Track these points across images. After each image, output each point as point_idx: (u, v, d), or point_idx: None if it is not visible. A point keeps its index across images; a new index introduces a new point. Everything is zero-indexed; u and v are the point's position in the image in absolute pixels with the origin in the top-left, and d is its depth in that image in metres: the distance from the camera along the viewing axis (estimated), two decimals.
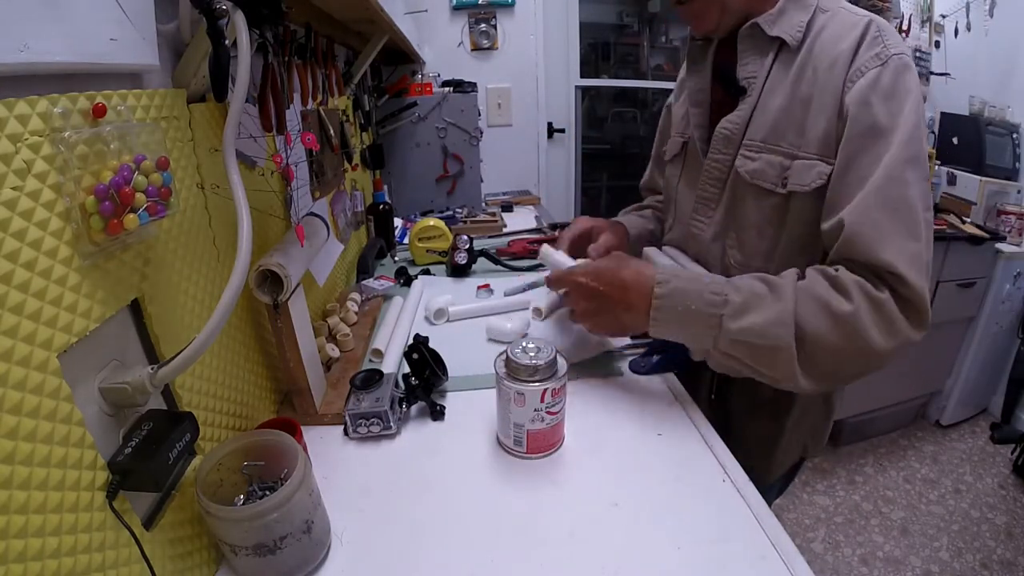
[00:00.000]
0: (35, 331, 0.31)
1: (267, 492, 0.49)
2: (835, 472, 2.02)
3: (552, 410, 0.60)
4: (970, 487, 1.93)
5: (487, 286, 1.11)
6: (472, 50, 2.18)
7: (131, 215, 0.36)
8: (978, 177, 2.10)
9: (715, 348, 0.63)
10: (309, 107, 0.88)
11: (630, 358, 0.81)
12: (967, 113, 2.26)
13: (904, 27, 2.24)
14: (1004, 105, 2.21)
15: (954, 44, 2.35)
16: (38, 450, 0.31)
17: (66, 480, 0.33)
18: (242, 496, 0.50)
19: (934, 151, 2.18)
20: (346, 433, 0.66)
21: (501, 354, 0.62)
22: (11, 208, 0.30)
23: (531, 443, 0.61)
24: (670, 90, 0.95)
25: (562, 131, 2.43)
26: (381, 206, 1.36)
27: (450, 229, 1.30)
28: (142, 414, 0.40)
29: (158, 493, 0.43)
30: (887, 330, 0.58)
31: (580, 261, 0.77)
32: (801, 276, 0.64)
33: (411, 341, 0.72)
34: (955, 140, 2.21)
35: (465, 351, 0.84)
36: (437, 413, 0.69)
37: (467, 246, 1.21)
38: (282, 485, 0.44)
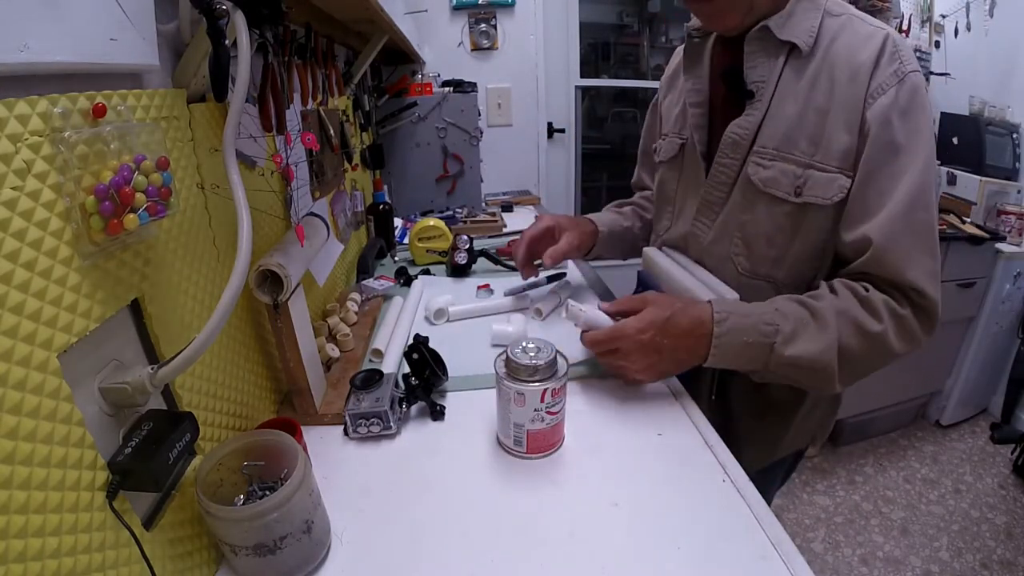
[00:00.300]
0: (35, 331, 0.31)
1: (267, 492, 0.49)
2: (835, 472, 2.02)
3: (552, 410, 0.60)
4: (970, 487, 1.93)
5: (487, 286, 1.11)
6: (472, 50, 2.18)
7: (131, 215, 0.36)
8: (978, 177, 2.10)
9: (767, 370, 0.66)
10: (309, 107, 0.88)
11: None
12: (967, 113, 2.26)
13: (904, 27, 2.24)
14: (1004, 105, 2.21)
15: (954, 44, 2.35)
16: (38, 450, 0.31)
17: (66, 480, 0.33)
18: (242, 496, 0.50)
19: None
20: (346, 433, 0.66)
21: (501, 354, 0.62)
22: (11, 208, 0.30)
23: (531, 443, 0.61)
24: None
25: (562, 131, 2.43)
26: (381, 206, 1.36)
27: (450, 229, 1.30)
28: (142, 414, 0.40)
29: (158, 493, 0.43)
30: (906, 339, 0.65)
31: (616, 321, 0.70)
32: (832, 290, 0.67)
33: (411, 341, 0.72)
34: (955, 140, 2.21)
35: (465, 351, 0.84)
36: (437, 413, 0.69)
37: (467, 246, 1.21)
38: (282, 485, 0.44)
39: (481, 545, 0.51)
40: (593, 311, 0.72)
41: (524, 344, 0.62)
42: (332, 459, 0.63)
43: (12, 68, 0.30)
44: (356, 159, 1.27)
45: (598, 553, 0.50)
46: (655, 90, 0.99)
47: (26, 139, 0.31)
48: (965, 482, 1.96)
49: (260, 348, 0.67)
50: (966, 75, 2.31)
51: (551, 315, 0.97)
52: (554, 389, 0.59)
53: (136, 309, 0.43)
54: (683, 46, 0.82)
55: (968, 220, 2.04)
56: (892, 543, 1.71)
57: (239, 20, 0.46)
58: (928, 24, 2.36)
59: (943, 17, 2.36)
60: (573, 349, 0.78)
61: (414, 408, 0.71)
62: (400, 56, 1.80)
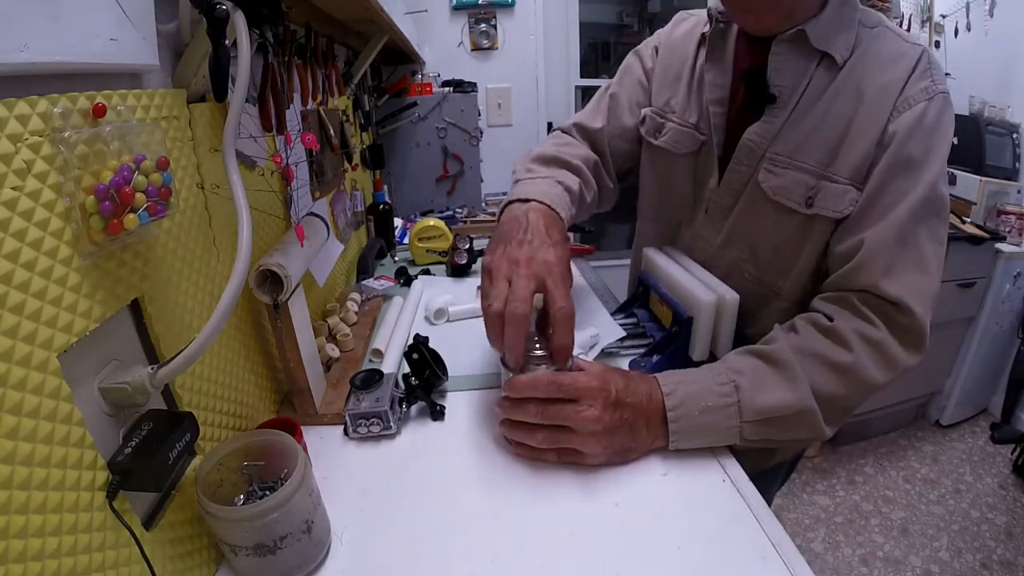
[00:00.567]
0: (35, 331, 0.31)
1: (267, 492, 0.49)
2: (835, 472, 2.02)
3: None
4: (970, 487, 1.93)
5: None
6: (472, 50, 2.18)
7: (131, 215, 0.36)
8: (978, 177, 2.10)
9: (741, 438, 0.59)
10: (309, 107, 0.88)
11: (630, 358, 0.80)
12: (967, 113, 2.26)
13: (904, 27, 2.24)
14: (1004, 105, 2.21)
15: (954, 44, 2.35)
16: (38, 450, 0.31)
17: (66, 480, 0.33)
18: (242, 496, 0.50)
19: None
20: (346, 433, 0.66)
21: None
22: (11, 208, 0.30)
23: None
24: None
25: None
26: (381, 206, 1.36)
27: (450, 229, 1.30)
28: (142, 414, 0.40)
29: (158, 493, 0.43)
30: (886, 367, 0.60)
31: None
32: (791, 328, 0.64)
33: (411, 341, 0.72)
34: (955, 140, 2.21)
35: (465, 351, 0.84)
36: (437, 413, 0.69)
37: (467, 246, 1.21)
38: (282, 485, 0.44)
39: (481, 545, 0.51)
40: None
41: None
42: (332, 459, 0.63)
43: (12, 68, 0.30)
44: (356, 159, 1.27)
45: (598, 553, 0.50)
46: None
47: (26, 139, 0.31)
48: (965, 482, 1.96)
49: (260, 348, 0.67)
50: (966, 75, 2.31)
51: None
52: None
53: (136, 309, 0.43)
54: (689, 15, 0.78)
55: (968, 220, 2.04)
56: (892, 543, 1.71)
57: (239, 20, 0.46)
58: (928, 24, 2.36)
59: (943, 17, 2.36)
60: (576, 347, 0.78)
61: (414, 408, 0.71)
62: (400, 56, 1.80)
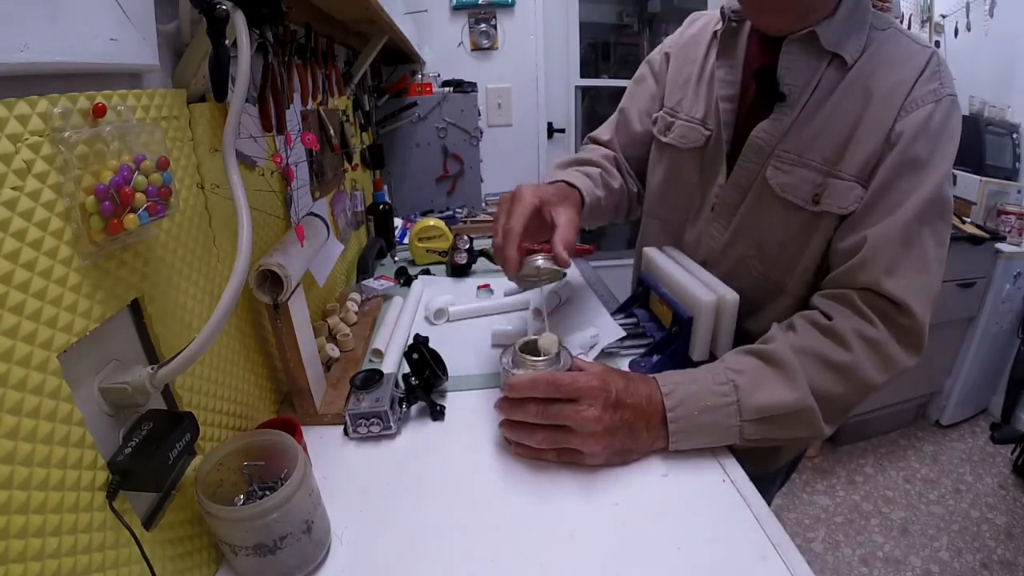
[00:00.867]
0: (35, 331, 0.31)
1: (267, 492, 0.49)
2: (835, 472, 2.02)
3: None
4: (970, 487, 1.93)
5: (487, 286, 1.11)
6: (472, 50, 2.18)
7: (131, 215, 0.36)
8: (978, 177, 2.10)
9: (741, 437, 0.59)
10: (309, 107, 0.88)
11: (630, 358, 0.81)
12: (967, 113, 2.26)
13: (904, 27, 2.24)
14: (1004, 105, 2.21)
15: (954, 44, 2.35)
16: (38, 450, 0.31)
17: (66, 480, 0.33)
18: (242, 496, 0.50)
19: None
20: (346, 433, 0.66)
21: (508, 347, 0.63)
22: (11, 208, 0.30)
23: None
24: None
25: (562, 131, 2.43)
26: (381, 206, 1.36)
27: (450, 229, 1.30)
28: (142, 414, 0.40)
29: (158, 493, 0.43)
30: (884, 367, 0.60)
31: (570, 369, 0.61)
32: (790, 327, 0.64)
33: (411, 341, 0.72)
34: None
35: (465, 351, 0.84)
36: (437, 413, 0.69)
37: (467, 246, 1.21)
38: (282, 485, 0.44)
39: (481, 545, 0.51)
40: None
41: (528, 339, 0.63)
42: (332, 459, 0.63)
43: (12, 68, 0.30)
44: (356, 159, 1.27)
45: (598, 553, 0.50)
46: None
47: (26, 139, 0.31)
48: (965, 482, 1.96)
49: (260, 348, 0.67)
50: (966, 75, 2.31)
51: (551, 315, 0.97)
52: None
53: (136, 309, 0.43)
54: (701, 16, 0.79)
55: (968, 220, 2.04)
56: (892, 543, 1.71)
57: (239, 20, 0.46)
58: (928, 24, 2.36)
59: (943, 17, 2.36)
60: (575, 347, 0.78)
61: (414, 408, 0.71)
62: (400, 56, 1.80)
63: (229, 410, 0.56)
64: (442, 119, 1.84)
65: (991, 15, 2.21)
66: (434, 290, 1.09)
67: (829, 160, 0.64)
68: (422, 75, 1.93)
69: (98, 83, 0.38)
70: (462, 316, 0.98)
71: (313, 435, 0.66)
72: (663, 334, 0.80)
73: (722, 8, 0.75)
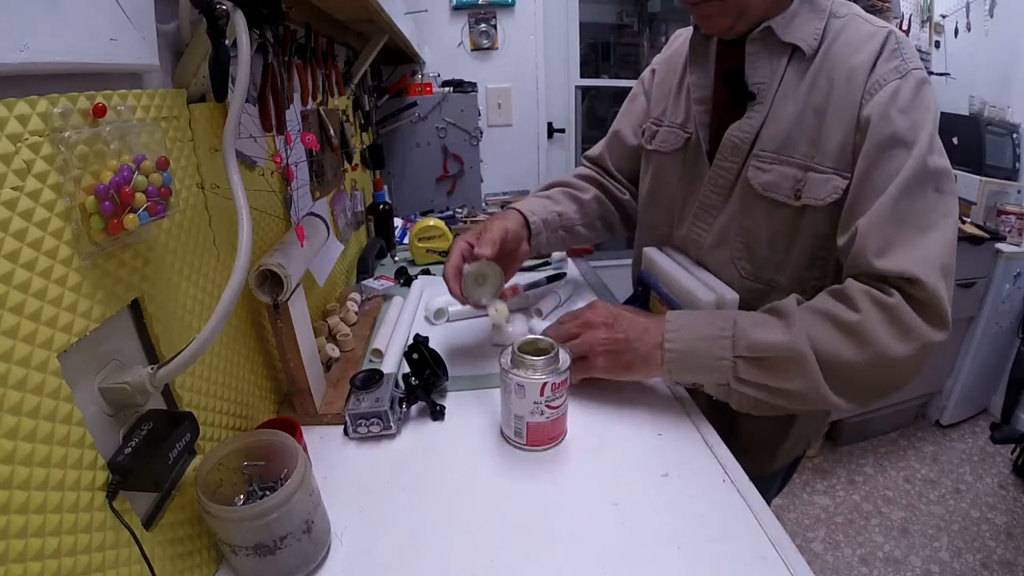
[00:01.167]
0: (35, 331, 0.31)
1: (267, 492, 0.49)
2: (835, 472, 2.02)
3: (552, 404, 0.60)
4: (970, 487, 1.93)
5: None
6: (472, 50, 2.18)
7: (131, 215, 0.36)
8: (978, 177, 2.10)
9: (735, 376, 0.61)
10: (309, 107, 0.88)
11: None
12: (967, 113, 2.26)
13: (904, 27, 2.24)
14: (1004, 105, 2.21)
15: (954, 44, 2.35)
16: (38, 450, 0.31)
17: (66, 480, 0.33)
18: (242, 496, 0.50)
19: None
20: (346, 433, 0.66)
21: (507, 347, 0.63)
22: (11, 208, 0.30)
23: (531, 436, 0.62)
24: None
25: (562, 131, 2.43)
26: (381, 206, 1.36)
27: (450, 229, 1.30)
28: (142, 414, 0.40)
29: (158, 493, 0.43)
30: (902, 335, 0.57)
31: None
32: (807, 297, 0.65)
33: (411, 341, 0.72)
34: (955, 140, 2.21)
35: (465, 351, 0.84)
36: (437, 413, 0.69)
37: None
38: (282, 485, 0.44)
39: (481, 545, 0.51)
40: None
41: (527, 338, 0.64)
42: (332, 459, 0.63)
43: (12, 68, 0.30)
44: (356, 159, 1.27)
45: (598, 553, 0.50)
46: None
47: (26, 139, 0.31)
48: (965, 482, 1.96)
49: (260, 348, 0.67)
50: (966, 75, 2.32)
51: (551, 315, 0.97)
52: (554, 383, 0.59)
53: (136, 309, 0.43)
54: (684, 32, 0.81)
55: (968, 220, 2.04)
56: (892, 543, 1.71)
57: (239, 20, 0.46)
58: (928, 24, 2.36)
59: (943, 17, 2.36)
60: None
61: (414, 408, 0.71)
62: (400, 56, 1.80)
63: (229, 410, 0.56)
64: (442, 119, 1.84)
65: (991, 15, 2.21)
66: (434, 290, 1.09)
67: (807, 154, 0.65)
68: (422, 75, 1.93)
69: (98, 83, 0.38)
70: (462, 316, 0.98)
71: (313, 435, 0.66)
72: None
73: (693, 20, 0.77)
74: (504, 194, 2.13)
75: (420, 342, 0.72)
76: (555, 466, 0.61)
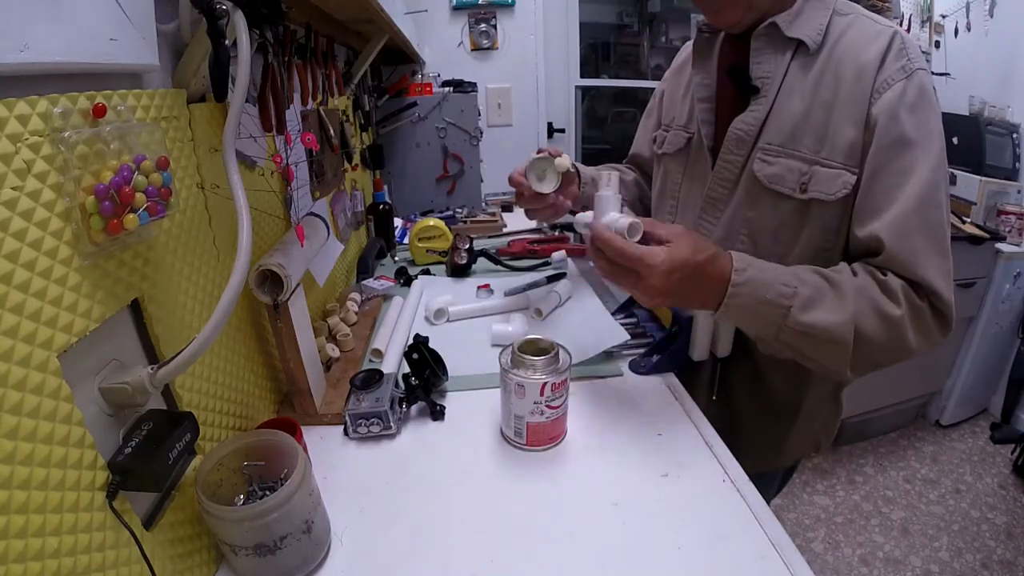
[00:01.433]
0: (35, 331, 0.31)
1: (267, 492, 0.49)
2: (835, 472, 2.02)
3: (552, 404, 0.60)
4: (970, 487, 1.93)
5: (487, 286, 1.11)
6: (472, 50, 2.18)
7: (131, 215, 0.36)
8: (978, 177, 2.10)
9: (778, 338, 0.62)
10: (309, 107, 0.88)
11: (630, 358, 0.81)
12: (967, 113, 2.26)
13: (904, 27, 2.24)
14: (1004, 105, 2.21)
15: (954, 44, 2.35)
16: (38, 450, 0.31)
17: (66, 480, 0.33)
18: (242, 496, 0.50)
19: None
20: (346, 433, 0.66)
21: (507, 346, 0.63)
22: (11, 208, 0.30)
23: (531, 435, 0.62)
24: None
25: (562, 131, 2.43)
26: (381, 206, 1.36)
27: (450, 229, 1.30)
28: (142, 414, 0.40)
29: (158, 493, 0.43)
30: (923, 335, 0.62)
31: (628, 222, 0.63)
32: (852, 271, 0.65)
33: (411, 341, 0.72)
34: (955, 140, 2.21)
35: (465, 351, 0.84)
36: (437, 413, 0.69)
37: (467, 246, 1.21)
38: (282, 485, 0.44)
39: (481, 545, 0.51)
40: (614, 219, 0.64)
41: (527, 338, 0.64)
42: (332, 459, 0.63)
43: (12, 68, 0.30)
44: (356, 159, 1.27)
45: (598, 553, 0.50)
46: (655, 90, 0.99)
47: (26, 139, 0.31)
48: (965, 482, 1.96)
49: (260, 348, 0.67)
50: (966, 75, 2.31)
51: (551, 315, 0.97)
52: (554, 383, 0.59)
53: (136, 309, 0.43)
54: (692, 41, 0.82)
55: (968, 220, 2.04)
56: (892, 543, 1.71)
57: (239, 20, 0.46)
58: (928, 24, 2.36)
59: (943, 17, 2.36)
60: (574, 348, 0.78)
61: (414, 408, 0.71)
62: (400, 56, 1.80)
63: (229, 410, 0.56)
64: (442, 119, 1.84)
65: (991, 15, 2.21)
66: (434, 290, 1.09)
67: (813, 149, 0.66)
68: (422, 75, 1.93)
69: (98, 83, 0.38)
70: (462, 316, 0.98)
71: (313, 435, 0.66)
72: (663, 334, 0.80)
73: (697, 23, 0.79)
74: (504, 194, 2.12)
75: (420, 342, 0.72)
76: (555, 466, 0.61)
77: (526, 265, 1.22)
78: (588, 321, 0.90)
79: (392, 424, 0.65)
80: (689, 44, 0.87)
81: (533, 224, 1.61)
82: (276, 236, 0.72)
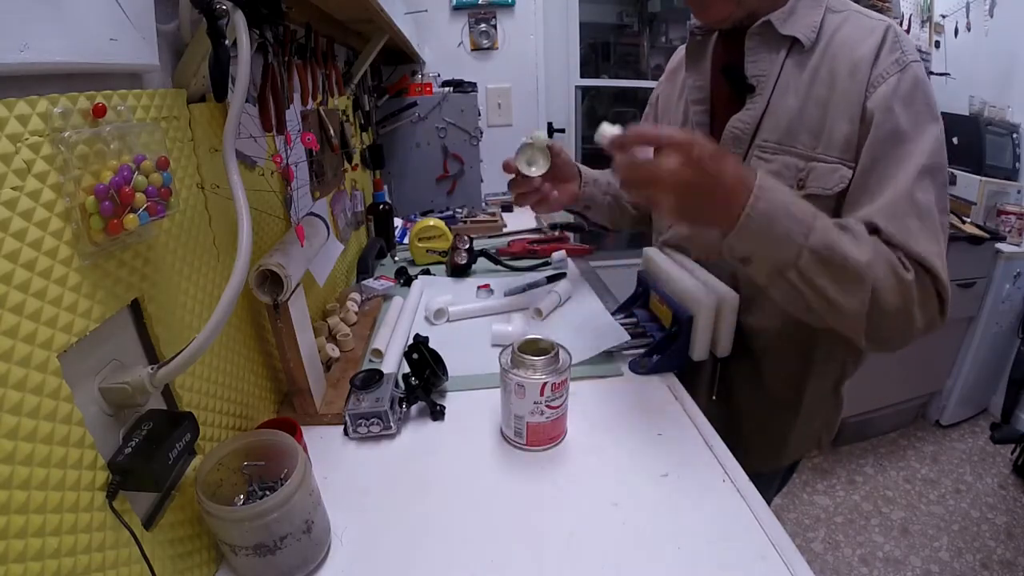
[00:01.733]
0: (35, 331, 0.31)
1: (267, 492, 0.49)
2: (835, 472, 2.02)
3: (552, 404, 0.60)
4: (970, 487, 1.93)
5: (487, 286, 1.11)
6: (472, 50, 2.18)
7: (131, 215, 0.36)
8: (978, 177, 2.10)
9: (796, 264, 0.56)
10: (309, 107, 0.88)
11: (630, 358, 0.81)
12: (967, 113, 2.26)
13: (904, 27, 2.24)
14: (1004, 105, 2.21)
15: (954, 44, 2.35)
16: (38, 450, 0.31)
17: (66, 480, 0.33)
18: (242, 496, 0.50)
19: None
20: (346, 433, 0.66)
21: (507, 346, 0.63)
22: (11, 208, 0.30)
23: (531, 435, 0.62)
24: None
25: (562, 131, 2.43)
26: (381, 206, 1.36)
27: (450, 229, 1.30)
28: (142, 414, 0.40)
29: (158, 493, 0.43)
30: (924, 310, 0.61)
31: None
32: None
33: (411, 341, 0.72)
34: (955, 140, 2.21)
35: (465, 351, 0.84)
36: (437, 413, 0.69)
37: (467, 246, 1.21)
38: (282, 485, 0.44)
39: (481, 545, 0.51)
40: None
41: (527, 338, 0.64)
42: (332, 459, 0.63)
43: (12, 68, 0.30)
44: (356, 159, 1.27)
45: (598, 553, 0.50)
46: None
47: (26, 139, 0.31)
48: (965, 482, 1.96)
49: (260, 348, 0.67)
50: (966, 75, 2.31)
51: (551, 315, 0.97)
52: (554, 383, 0.59)
53: (136, 309, 0.43)
54: (685, 44, 0.82)
55: (968, 220, 2.04)
56: (892, 543, 1.71)
57: (239, 20, 0.46)
58: (928, 24, 2.36)
59: (943, 17, 2.36)
60: (574, 348, 0.78)
61: (414, 408, 0.71)
62: (400, 56, 1.80)
63: (229, 410, 0.56)
64: (442, 119, 1.84)
65: (991, 15, 2.20)
66: (434, 290, 1.09)
67: (809, 145, 0.66)
68: (422, 75, 1.93)
69: (98, 83, 0.38)
70: (462, 316, 0.98)
71: (313, 435, 0.66)
72: (663, 334, 0.80)
73: (689, 26, 0.79)
74: (504, 194, 2.13)
75: (420, 342, 0.72)
76: (555, 466, 0.61)
77: (526, 265, 1.22)
78: (588, 321, 0.90)
79: (392, 424, 0.65)
80: (682, 48, 0.87)
81: (533, 224, 1.62)
82: (276, 236, 0.72)
